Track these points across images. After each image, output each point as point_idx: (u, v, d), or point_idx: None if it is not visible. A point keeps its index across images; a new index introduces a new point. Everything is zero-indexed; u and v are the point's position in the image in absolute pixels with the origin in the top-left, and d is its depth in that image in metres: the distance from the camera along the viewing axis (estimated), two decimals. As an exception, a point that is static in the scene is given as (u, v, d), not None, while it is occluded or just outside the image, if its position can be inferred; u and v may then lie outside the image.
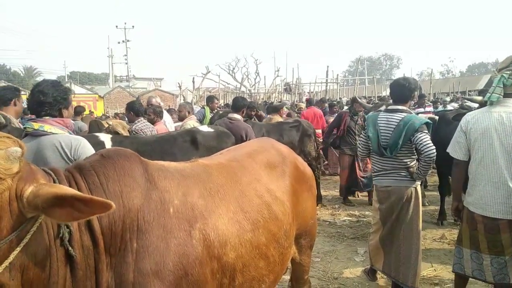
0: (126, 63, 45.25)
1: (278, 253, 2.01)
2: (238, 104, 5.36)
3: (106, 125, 5.90)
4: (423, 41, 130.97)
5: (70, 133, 2.33)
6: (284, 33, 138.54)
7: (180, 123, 5.77)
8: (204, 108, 7.33)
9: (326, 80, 26.65)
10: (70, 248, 1.27)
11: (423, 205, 5.66)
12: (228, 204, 1.82)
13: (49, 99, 2.24)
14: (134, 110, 5.00)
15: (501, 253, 2.69)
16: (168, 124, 5.67)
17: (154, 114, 5.37)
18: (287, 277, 3.10)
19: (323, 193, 6.86)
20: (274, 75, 32.49)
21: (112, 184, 1.45)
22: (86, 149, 2.20)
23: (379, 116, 3.43)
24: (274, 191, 2.13)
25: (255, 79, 35.05)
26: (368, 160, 6.02)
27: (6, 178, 1.11)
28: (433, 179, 7.15)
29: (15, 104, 3.66)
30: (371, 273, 3.78)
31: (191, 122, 5.18)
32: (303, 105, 11.39)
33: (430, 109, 8.35)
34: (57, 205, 1.15)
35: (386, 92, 24.26)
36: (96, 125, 7.36)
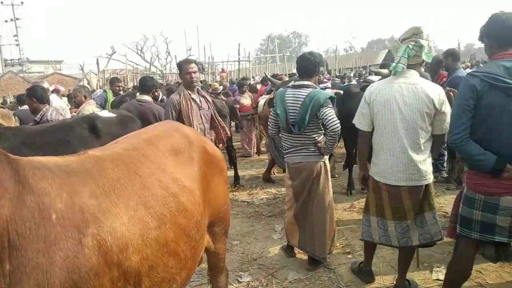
0: (17, 45, 40.20)
1: (190, 247, 1.86)
2: (147, 85, 4.99)
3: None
4: (327, 19, 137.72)
5: None
6: (194, 8, 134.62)
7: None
8: (106, 91, 6.74)
9: (239, 59, 26.65)
10: None
11: (333, 177, 5.96)
12: (127, 200, 1.59)
13: None
14: (37, 96, 4.20)
15: (404, 218, 2.87)
16: (62, 110, 5.04)
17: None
18: (205, 265, 2.98)
19: (240, 173, 6.84)
20: (186, 54, 31.57)
21: None
22: None
23: (286, 93, 3.40)
24: (182, 180, 1.94)
25: (166, 59, 33.77)
26: None
27: None
28: (342, 150, 7.55)
29: None
30: (288, 250, 3.85)
31: (90, 108, 4.66)
32: (217, 85, 11.18)
33: (327, 84, 8.70)
34: None
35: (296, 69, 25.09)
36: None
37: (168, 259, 1.69)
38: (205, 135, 4.00)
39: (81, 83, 22.88)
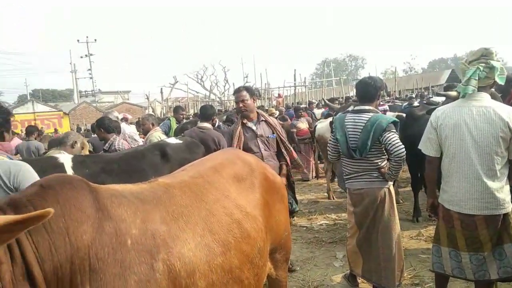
0: (91, 78, 44.02)
1: (253, 274, 1.87)
2: (207, 113, 5.20)
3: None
4: (385, 41, 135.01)
5: (11, 158, 2.10)
6: (250, 38, 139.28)
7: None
8: (169, 119, 7.11)
9: (294, 84, 26.86)
10: None
11: (397, 202, 5.68)
12: (194, 226, 1.66)
13: None
14: (104, 127, 4.63)
15: (480, 249, 2.65)
16: (135, 135, 5.42)
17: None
18: None
19: (298, 197, 6.76)
20: (243, 81, 32.49)
21: (56, 220, 1.25)
22: (27, 175, 1.98)
23: (346, 118, 3.36)
24: (245, 207, 1.98)
25: (224, 86, 34.97)
26: None
27: None
28: (406, 175, 7.22)
29: None
30: (351, 279, 3.69)
31: (157, 134, 4.95)
32: (274, 109, 11.34)
33: (385, 107, 8.39)
34: None
35: (353, 92, 24.70)
36: (56, 143, 7.01)
37: (233, 285, 1.72)
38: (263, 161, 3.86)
39: (147, 111, 24.39)
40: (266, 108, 15.15)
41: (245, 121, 3.93)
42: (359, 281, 3.69)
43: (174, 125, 6.84)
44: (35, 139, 8.09)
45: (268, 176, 2.34)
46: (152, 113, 12.75)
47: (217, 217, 1.78)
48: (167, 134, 6.31)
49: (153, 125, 5.33)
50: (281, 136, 3.95)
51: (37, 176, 1.99)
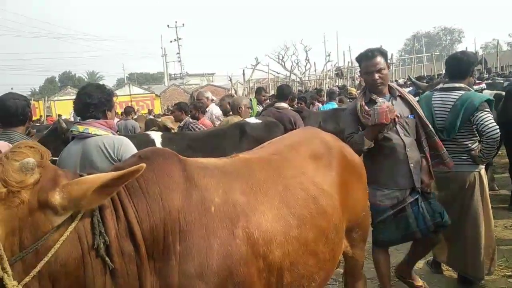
0: (179, 61, 46.74)
1: (328, 249, 1.92)
2: (283, 92, 5.27)
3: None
4: (486, 10, 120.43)
5: (114, 134, 2.40)
6: (333, 13, 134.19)
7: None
8: (251, 100, 7.31)
9: (380, 62, 25.43)
10: (107, 259, 1.26)
11: (493, 189, 5.22)
12: (271, 199, 1.75)
13: (94, 101, 2.33)
14: (184, 109, 5.12)
15: None
16: (221, 116, 5.73)
17: (195, 109, 5.40)
18: (341, 270, 2.99)
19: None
20: (325, 61, 31.77)
21: (152, 186, 1.44)
22: (129, 149, 2.27)
23: (433, 96, 3.16)
24: (321, 184, 2.02)
25: (305, 66, 34.56)
26: None
27: (20, 191, 1.12)
28: (504, 159, 6.55)
29: None
30: (434, 265, 3.54)
31: (236, 116, 5.16)
32: (354, 90, 10.97)
33: (482, 86, 7.54)
34: (95, 194, 1.19)
35: (446, 69, 22.70)
36: (151, 124, 7.71)
37: (308, 257, 1.79)
38: (405, 152, 2.70)
39: (229, 93, 25.21)
40: (347, 87, 14.69)
41: (374, 97, 2.75)
42: (443, 267, 3.53)
43: (256, 106, 7.02)
44: (132, 118, 8.95)
45: (346, 155, 2.34)
46: (230, 94, 13.14)
47: (293, 192, 1.86)
48: (249, 114, 6.53)
49: (229, 104, 5.57)
50: (422, 118, 2.84)
51: (135, 149, 2.26)
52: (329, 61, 31.19)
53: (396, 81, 15.72)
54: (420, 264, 3.74)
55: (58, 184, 1.19)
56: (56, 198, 1.16)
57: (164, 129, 5.35)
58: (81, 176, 1.32)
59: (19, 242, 1.13)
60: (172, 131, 5.24)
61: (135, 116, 10.33)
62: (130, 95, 31.00)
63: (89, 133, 2.28)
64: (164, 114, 16.33)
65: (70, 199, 1.17)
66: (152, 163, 1.49)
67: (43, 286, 1.18)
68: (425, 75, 18.44)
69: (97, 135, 2.29)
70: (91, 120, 2.34)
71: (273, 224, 1.69)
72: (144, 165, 1.24)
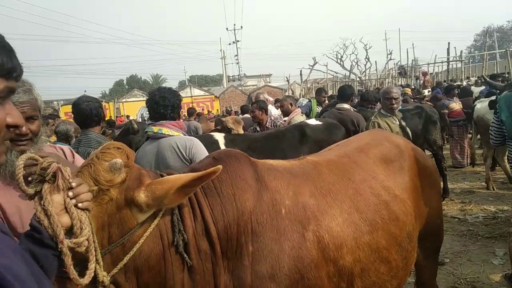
0: (237, 63, 47.55)
1: (401, 257, 1.84)
2: (346, 93, 5.15)
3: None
4: None
5: (184, 134, 2.50)
6: (395, 9, 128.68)
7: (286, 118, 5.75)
8: (310, 101, 7.24)
9: (448, 59, 23.99)
10: (185, 256, 1.32)
11: None
12: (341, 203, 1.72)
13: (169, 103, 2.45)
14: (265, 108, 4.99)
15: None
16: (279, 118, 5.73)
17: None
18: (412, 279, 2.85)
19: (450, 185, 6.18)
20: (386, 59, 30.60)
21: (226, 187, 1.47)
22: (199, 149, 2.37)
23: (515, 96, 2.91)
24: (393, 189, 1.94)
25: (365, 65, 33.55)
26: None
27: (109, 189, 1.20)
28: None
29: None
30: (515, 280, 3.26)
31: (298, 118, 5.12)
32: (409, 90, 10.43)
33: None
34: (176, 193, 1.24)
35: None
36: (220, 123, 7.95)
37: (380, 265, 1.73)
38: None
39: (286, 93, 25.19)
40: (413, 86, 14.00)
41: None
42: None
43: (315, 107, 6.94)
44: (194, 119, 9.28)
45: (419, 159, 2.23)
46: (291, 95, 13.13)
47: (364, 196, 1.80)
48: (307, 115, 6.46)
49: (291, 105, 5.51)
50: None
51: (205, 149, 2.34)
52: (390, 59, 30.05)
53: (467, 78, 14.71)
54: (496, 276, 3.48)
55: (143, 183, 1.26)
56: (141, 196, 1.23)
57: (226, 129, 5.47)
58: (161, 175, 1.39)
59: (108, 237, 1.22)
60: (233, 131, 5.34)
61: (198, 117, 10.68)
62: (191, 96, 32.12)
63: (163, 133, 2.40)
64: (223, 115, 16.73)
65: (154, 198, 1.23)
66: (226, 164, 1.53)
67: (128, 278, 1.25)
68: (499, 73, 17.03)
69: (170, 135, 2.40)
70: (163, 121, 2.46)
71: (344, 229, 1.65)
72: (221, 167, 1.28)
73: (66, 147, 1.86)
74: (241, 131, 5.35)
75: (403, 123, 4.03)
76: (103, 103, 28.40)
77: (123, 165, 1.23)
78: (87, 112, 2.80)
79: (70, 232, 1.07)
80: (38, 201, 1.04)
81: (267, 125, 4.80)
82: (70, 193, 1.07)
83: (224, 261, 1.41)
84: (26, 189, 1.04)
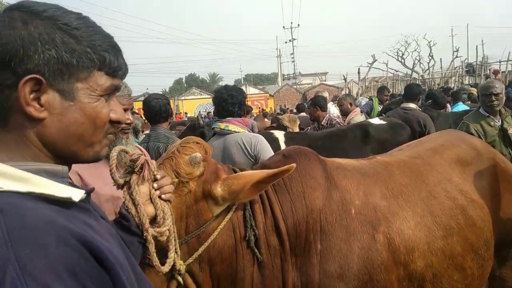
0: (293, 61, 47.41)
1: (477, 266, 1.74)
2: (413, 92, 4.92)
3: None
4: None
5: (249, 131, 2.56)
6: (463, 2, 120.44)
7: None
8: (371, 99, 7.02)
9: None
10: (256, 251, 1.35)
11: None
12: (414, 206, 1.66)
13: (237, 101, 2.52)
14: (320, 104, 4.86)
15: None
16: (337, 117, 5.62)
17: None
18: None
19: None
20: (452, 56, 28.85)
21: (295, 184, 1.48)
22: (264, 146, 2.42)
23: None
24: (469, 193, 1.84)
25: (428, 63, 31.89)
26: None
27: (189, 181, 1.25)
28: None
29: None
30: None
31: (357, 117, 4.98)
32: (475, 90, 9.66)
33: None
34: (251, 189, 1.28)
35: None
36: (276, 120, 8.00)
37: (454, 272, 1.65)
38: None
39: (343, 92, 24.67)
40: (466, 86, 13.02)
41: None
42: None
43: (377, 106, 6.74)
44: (250, 117, 9.41)
45: (498, 162, 2.09)
46: (350, 94, 12.81)
47: (438, 200, 1.73)
48: (368, 114, 6.28)
49: (351, 104, 5.36)
50: None
51: (269, 146, 2.38)
52: (457, 56, 28.25)
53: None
54: None
55: (220, 178, 1.31)
56: (218, 190, 1.27)
57: (282, 127, 5.47)
58: (234, 171, 1.43)
59: (185, 227, 1.27)
60: (288, 129, 5.32)
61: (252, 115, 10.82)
62: (247, 95, 32.59)
63: (229, 130, 2.48)
64: (277, 114, 16.77)
65: (230, 192, 1.27)
66: (296, 161, 1.52)
67: (202, 268, 1.30)
68: None
69: (236, 132, 2.47)
70: (230, 118, 2.53)
71: (416, 232, 1.59)
72: (294, 165, 1.30)
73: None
74: (297, 129, 5.33)
75: (506, 125, 3.22)
76: (165, 101, 29.74)
77: (202, 159, 1.29)
78: (156, 109, 2.94)
79: (153, 221, 1.12)
80: (127, 191, 1.11)
81: (322, 123, 4.71)
82: (155, 185, 1.12)
83: (293, 257, 1.43)
84: (118, 179, 1.11)
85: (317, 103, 4.77)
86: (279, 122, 5.99)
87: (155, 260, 1.08)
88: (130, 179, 1.13)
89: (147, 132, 3.74)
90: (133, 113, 3.08)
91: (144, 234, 1.06)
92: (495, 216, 1.92)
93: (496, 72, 20.74)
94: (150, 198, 1.13)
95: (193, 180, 1.27)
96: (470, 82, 19.86)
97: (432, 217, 1.66)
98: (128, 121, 1.78)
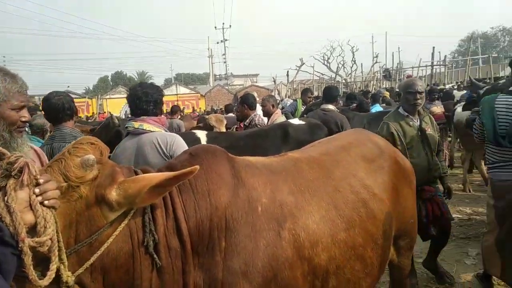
0: (225, 62, 47.35)
1: (377, 255, 1.85)
2: (331, 94, 5.16)
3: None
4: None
5: (166, 131, 2.47)
6: (383, 13, 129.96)
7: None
8: (296, 101, 7.26)
9: (432, 63, 24.39)
10: (155, 256, 1.28)
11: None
12: (319, 200, 1.71)
13: (151, 99, 2.40)
14: (248, 103, 4.77)
15: None
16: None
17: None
18: (387, 278, 2.89)
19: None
20: (372, 62, 30.93)
21: (200, 183, 1.45)
22: (180, 145, 2.32)
23: (496, 99, 2.96)
24: (372, 188, 1.95)
25: (351, 68, 33.85)
26: None
27: (79, 186, 1.15)
28: None
29: None
30: (485, 280, 3.32)
31: (280, 119, 5.09)
32: (388, 94, 10.57)
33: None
34: (149, 193, 1.20)
35: (505, 72, 21.33)
36: (203, 120, 7.88)
37: (355, 262, 1.73)
38: None
39: (272, 93, 25.24)
40: (397, 89, 14.15)
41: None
42: (494, 282, 3.31)
43: (300, 107, 6.97)
44: (178, 118, 9.19)
45: (398, 160, 2.26)
46: (273, 95, 13.11)
47: (343, 194, 1.80)
48: (293, 115, 6.47)
49: (273, 106, 5.45)
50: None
51: (186, 145, 2.31)
52: (376, 62, 30.37)
53: (457, 82, 14.93)
54: (468, 276, 3.55)
55: (116, 181, 1.21)
56: (113, 194, 1.19)
57: (209, 127, 5.42)
58: (136, 172, 1.36)
59: (75, 235, 1.17)
60: (215, 129, 5.29)
61: (181, 116, 10.60)
62: (177, 94, 31.84)
63: (144, 129, 2.36)
64: (207, 113, 16.62)
65: (126, 196, 1.19)
66: (202, 160, 1.51)
67: (95, 278, 1.21)
68: (481, 77, 17.39)
69: (151, 131, 2.36)
70: (145, 117, 2.41)
71: (320, 226, 1.64)
72: (197, 167, 1.24)
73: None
74: (223, 129, 5.31)
75: (425, 125, 3.26)
76: (86, 99, 27.98)
77: (96, 162, 1.20)
78: (59, 106, 2.71)
79: (33, 230, 1.02)
80: (1, 197, 0.99)
81: (245, 123, 4.73)
82: (37, 190, 1.03)
83: (195, 258, 1.38)
84: None
85: (246, 102, 4.76)
86: (206, 121, 5.94)
87: (32, 273, 0.98)
88: (6, 184, 1.02)
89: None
90: (33, 110, 2.81)
91: (20, 245, 0.96)
92: (394, 209, 2.07)
93: (409, 77, 22.73)
94: (30, 205, 1.03)
95: (85, 184, 1.17)
96: (387, 86, 21.48)
97: (336, 210, 1.72)
98: (24, 119, 1.68)
